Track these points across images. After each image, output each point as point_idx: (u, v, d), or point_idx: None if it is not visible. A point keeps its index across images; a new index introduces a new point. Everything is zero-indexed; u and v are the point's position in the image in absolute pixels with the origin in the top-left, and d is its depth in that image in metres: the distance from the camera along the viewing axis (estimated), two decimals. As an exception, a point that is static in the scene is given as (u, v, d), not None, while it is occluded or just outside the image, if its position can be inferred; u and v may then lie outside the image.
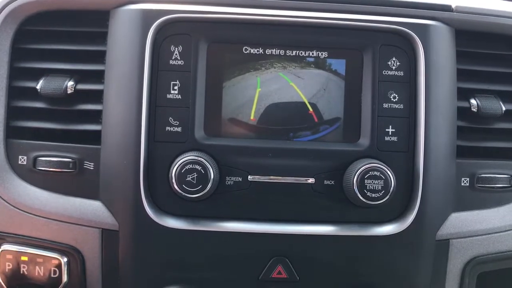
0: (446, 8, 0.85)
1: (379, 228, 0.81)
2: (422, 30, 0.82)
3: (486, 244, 0.86)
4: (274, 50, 0.82)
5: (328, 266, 0.81)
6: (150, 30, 0.79)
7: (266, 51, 0.82)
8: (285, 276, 0.81)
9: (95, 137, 0.83)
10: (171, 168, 0.77)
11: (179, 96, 0.80)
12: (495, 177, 0.87)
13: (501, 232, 0.87)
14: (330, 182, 0.81)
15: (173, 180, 0.76)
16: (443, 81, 0.83)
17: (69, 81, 0.83)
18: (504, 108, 0.87)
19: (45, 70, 0.85)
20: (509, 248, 0.87)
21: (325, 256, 0.81)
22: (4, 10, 0.83)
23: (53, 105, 0.84)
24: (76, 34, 0.85)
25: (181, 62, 0.81)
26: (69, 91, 0.83)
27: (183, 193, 0.76)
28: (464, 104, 0.87)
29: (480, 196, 0.87)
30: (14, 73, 0.84)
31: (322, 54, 0.82)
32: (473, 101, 0.87)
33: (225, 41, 0.82)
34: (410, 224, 0.81)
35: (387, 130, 0.81)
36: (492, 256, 0.86)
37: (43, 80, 0.83)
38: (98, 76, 0.84)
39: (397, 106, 0.82)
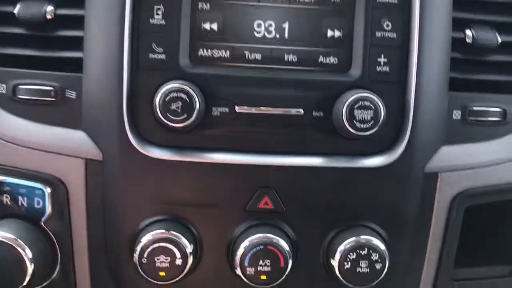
0: None
1: (367, 160, 0.80)
2: None
3: (476, 177, 0.85)
4: None
5: (314, 197, 0.80)
6: None
7: None
8: (272, 207, 0.80)
9: (76, 65, 0.80)
10: (155, 97, 0.74)
11: (163, 22, 0.77)
12: (487, 110, 0.85)
13: (491, 165, 0.86)
14: (319, 113, 0.79)
15: (157, 109, 0.74)
16: (438, 10, 0.80)
17: (48, 5, 0.79)
18: (499, 40, 0.84)
19: None
20: (498, 181, 0.86)
21: (312, 187, 0.80)
22: None
23: (32, 31, 0.81)
24: None
25: None
26: (48, 16, 0.79)
27: (168, 122, 0.74)
28: (459, 34, 0.84)
29: (472, 130, 0.85)
30: None
31: None
32: (468, 32, 0.84)
33: None
34: (399, 156, 0.79)
35: (379, 59, 0.79)
36: (481, 189, 0.85)
37: (21, 4, 0.80)
38: (79, 1, 0.80)
39: (390, 34, 0.79)
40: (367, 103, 0.75)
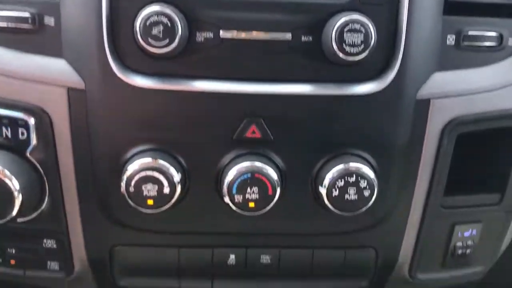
0: None
1: (357, 87, 0.78)
2: None
3: (468, 104, 0.83)
4: None
5: (303, 126, 0.79)
6: None
7: None
8: (259, 136, 0.79)
9: None
10: (135, 21, 0.71)
11: None
12: (483, 35, 0.82)
13: (484, 92, 0.83)
14: (308, 38, 0.76)
15: (138, 34, 0.71)
16: None
17: None
18: None
19: None
20: (491, 108, 0.84)
21: (300, 116, 0.78)
22: None
23: None
24: None
25: None
26: None
27: (149, 48, 0.72)
28: None
29: (466, 56, 0.83)
30: None
31: None
32: None
33: None
34: (391, 82, 0.77)
35: None
36: (473, 116, 0.84)
37: None
38: None
39: None
40: (358, 26, 0.72)
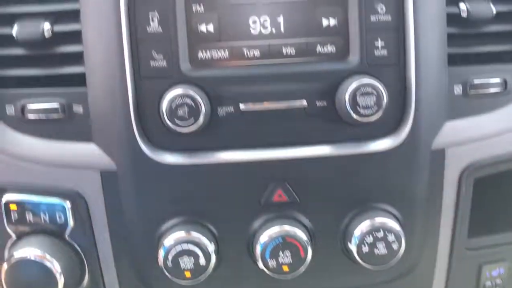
0: None
1: (374, 144, 0.81)
2: None
3: (482, 149, 0.87)
4: None
5: (326, 186, 0.82)
6: None
7: None
8: (286, 199, 0.82)
9: (80, 79, 0.81)
10: (161, 104, 0.76)
11: (160, 29, 0.78)
12: (488, 82, 0.86)
13: (496, 136, 0.87)
14: (323, 103, 0.80)
15: (165, 116, 0.76)
16: None
17: (44, 23, 0.80)
18: (495, 10, 0.85)
19: (16, 14, 0.81)
20: (504, 151, 0.88)
21: (323, 176, 0.82)
22: None
23: (32, 50, 0.82)
24: None
25: None
26: (46, 35, 0.80)
27: (176, 128, 0.76)
28: (453, 9, 0.84)
29: (474, 103, 0.86)
30: None
31: None
32: (462, 6, 0.84)
33: None
34: (406, 137, 0.81)
35: (376, 44, 0.79)
36: (488, 160, 0.87)
37: (18, 25, 0.80)
38: (75, 16, 0.81)
39: (385, 18, 0.79)
40: (369, 89, 0.76)
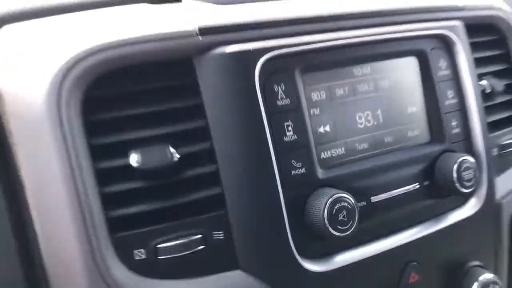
0: (460, 8, 0.98)
1: (468, 208, 0.93)
2: (456, 31, 0.93)
3: None
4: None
5: (444, 257, 0.90)
6: (256, 73, 0.72)
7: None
8: (417, 279, 0.86)
9: (215, 203, 0.73)
10: (324, 210, 0.73)
11: (295, 137, 0.76)
12: None
13: None
14: (427, 182, 0.88)
15: (326, 223, 0.73)
16: (473, 72, 0.96)
17: (170, 147, 0.70)
18: (503, 84, 1.06)
19: (131, 141, 0.70)
20: None
21: (441, 249, 0.89)
22: (66, 79, 0.64)
23: (157, 179, 0.70)
24: (155, 91, 0.71)
25: (288, 101, 0.76)
26: (174, 159, 0.70)
27: (337, 233, 0.74)
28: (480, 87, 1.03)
29: (507, 159, 1.05)
30: (96, 152, 0.67)
31: None
32: (484, 83, 1.03)
33: (317, 69, 0.79)
34: (485, 197, 0.94)
35: (452, 124, 0.92)
36: None
37: (137, 153, 0.68)
38: (201, 134, 0.73)
39: (453, 101, 0.92)
40: (468, 164, 0.88)
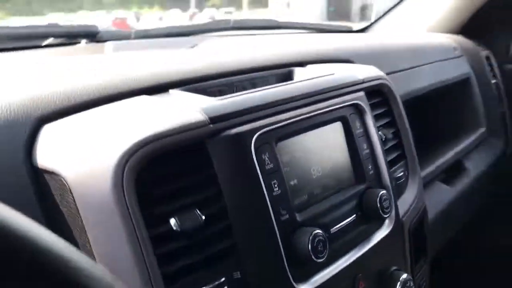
0: (362, 81, 1.33)
1: (384, 230, 1.27)
2: (363, 99, 1.28)
3: None
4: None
5: (377, 267, 1.23)
6: (252, 147, 0.97)
7: None
8: (364, 285, 1.17)
9: (230, 252, 0.94)
10: (309, 245, 0.99)
11: (280, 191, 1.02)
12: None
13: None
14: (359, 213, 1.20)
15: (311, 253, 0.99)
16: (375, 127, 1.32)
17: (197, 210, 0.91)
18: (391, 132, 1.44)
19: (171, 210, 0.89)
20: None
21: (374, 261, 1.22)
22: (127, 166, 0.82)
23: (191, 238, 0.90)
24: (181, 169, 0.91)
25: (272, 165, 1.01)
26: (202, 221, 0.90)
27: (318, 260, 1.01)
28: None
29: (400, 188, 1.43)
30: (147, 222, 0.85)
31: None
32: (380, 133, 1.40)
33: (283, 139, 1.07)
34: (394, 219, 1.30)
35: (369, 167, 1.26)
36: None
37: (176, 218, 0.88)
38: (216, 197, 0.94)
39: (367, 151, 1.27)
40: (386, 196, 1.22)
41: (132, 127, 0.87)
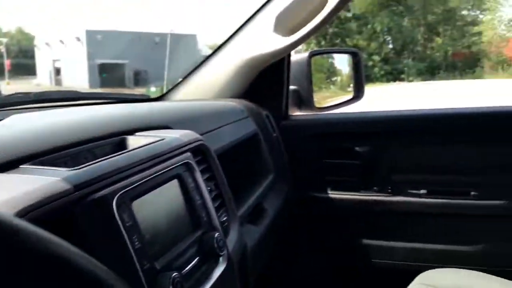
0: (187, 143, 1.57)
1: (222, 265, 1.49)
2: (191, 158, 1.52)
3: None
4: None
5: None
6: (114, 209, 1.10)
7: None
8: None
9: None
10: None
11: (139, 244, 1.16)
12: None
13: None
14: (203, 254, 1.40)
15: None
16: (202, 180, 1.56)
17: None
18: (213, 184, 1.70)
19: None
20: None
21: None
22: None
23: None
24: None
25: (131, 222, 1.15)
26: None
27: None
28: None
29: (224, 230, 1.68)
30: None
31: None
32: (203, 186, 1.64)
33: (139, 197, 1.22)
34: (226, 255, 1.53)
35: (202, 215, 1.48)
36: None
37: None
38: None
39: (200, 201, 1.49)
40: (221, 237, 1.45)
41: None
